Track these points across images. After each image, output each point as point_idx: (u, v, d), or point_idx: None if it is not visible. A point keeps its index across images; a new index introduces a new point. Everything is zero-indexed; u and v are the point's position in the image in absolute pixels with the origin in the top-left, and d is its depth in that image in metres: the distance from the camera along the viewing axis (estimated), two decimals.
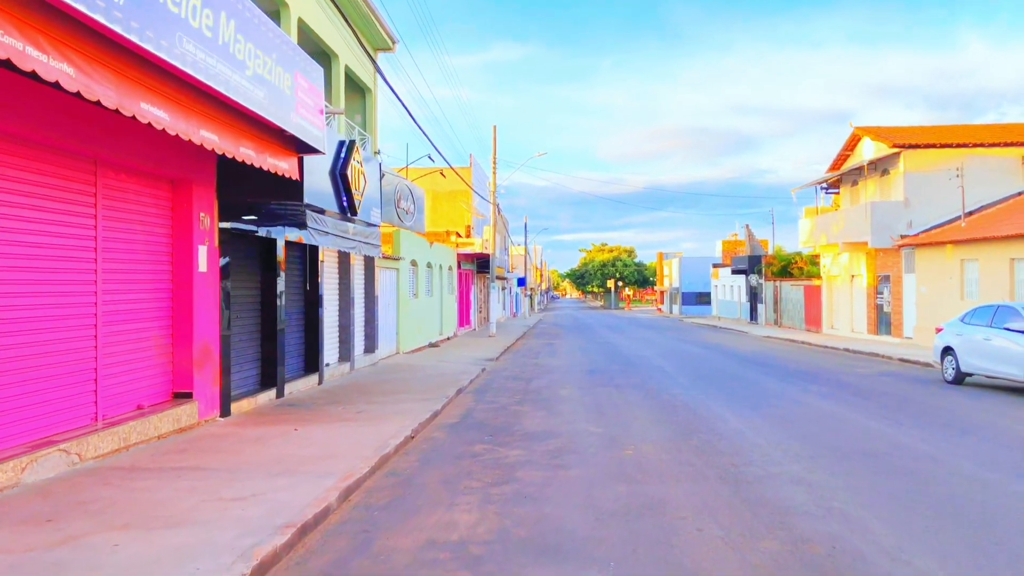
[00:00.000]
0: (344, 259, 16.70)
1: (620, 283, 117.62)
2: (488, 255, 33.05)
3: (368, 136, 18.53)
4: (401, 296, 21.82)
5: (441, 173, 30.81)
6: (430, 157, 19.91)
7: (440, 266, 28.63)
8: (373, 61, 15.91)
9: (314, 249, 14.41)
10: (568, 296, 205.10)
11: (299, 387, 13.53)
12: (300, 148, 9.95)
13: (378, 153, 18.85)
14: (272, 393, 12.29)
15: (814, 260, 44.33)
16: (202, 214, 9.86)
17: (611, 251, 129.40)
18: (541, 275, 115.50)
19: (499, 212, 35.31)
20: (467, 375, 16.39)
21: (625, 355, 23.04)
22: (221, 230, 10.41)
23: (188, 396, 9.64)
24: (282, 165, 9.36)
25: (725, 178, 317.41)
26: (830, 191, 36.53)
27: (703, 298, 70.47)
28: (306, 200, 10.33)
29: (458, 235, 32.91)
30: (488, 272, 32.77)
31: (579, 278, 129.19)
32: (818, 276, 37.75)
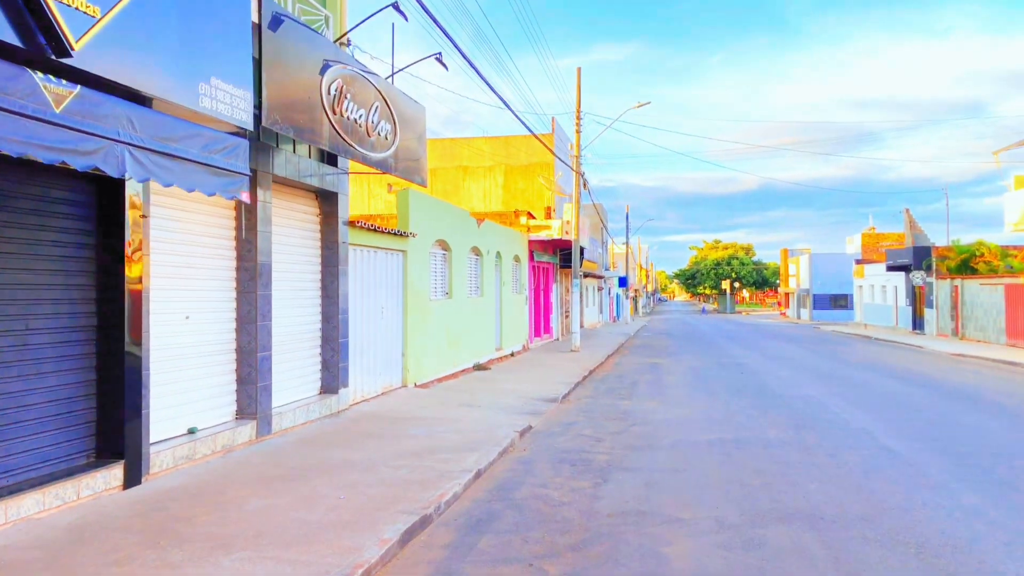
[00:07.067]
0: (247, 214, 8.72)
1: (736, 284, 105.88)
2: (571, 242, 24.57)
3: (329, 14, 10.59)
4: (410, 295, 13.72)
5: (539, 139, 22.76)
6: (439, 59, 11.71)
7: (499, 254, 20.44)
8: None
9: (110, 183, 6.50)
10: (676, 298, 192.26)
11: (51, 501, 5.63)
12: None
13: (347, 44, 10.85)
14: None
15: (1007, 253, 33.60)
16: None
17: (726, 248, 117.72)
18: (647, 275, 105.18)
19: (586, 187, 26.70)
20: (476, 457, 8.11)
21: (780, 394, 14.06)
22: None
23: None
24: None
25: (843, 175, 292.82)
26: None
27: (839, 301, 60.91)
28: None
29: (530, 215, 24.56)
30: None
31: (689, 279, 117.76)
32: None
